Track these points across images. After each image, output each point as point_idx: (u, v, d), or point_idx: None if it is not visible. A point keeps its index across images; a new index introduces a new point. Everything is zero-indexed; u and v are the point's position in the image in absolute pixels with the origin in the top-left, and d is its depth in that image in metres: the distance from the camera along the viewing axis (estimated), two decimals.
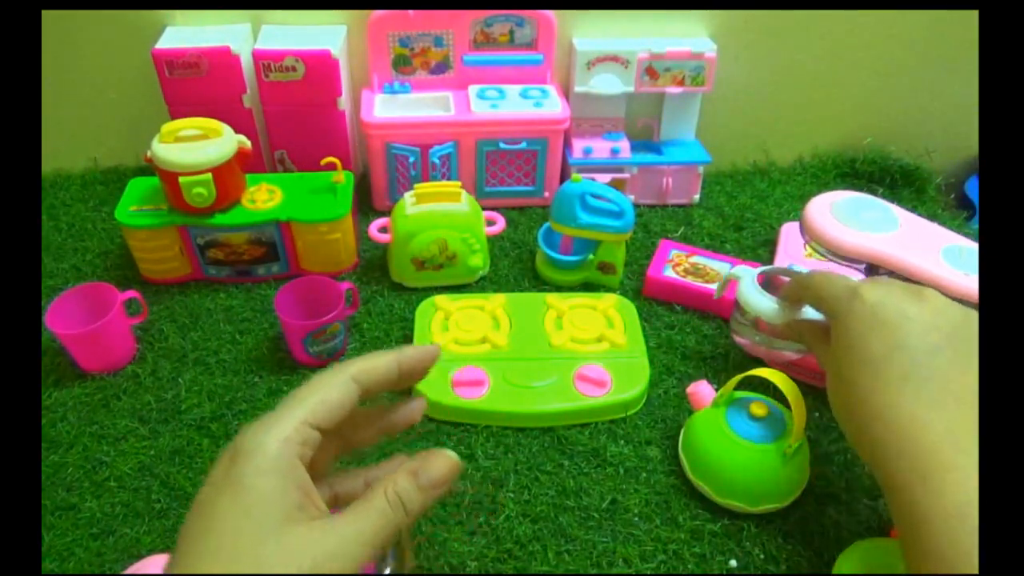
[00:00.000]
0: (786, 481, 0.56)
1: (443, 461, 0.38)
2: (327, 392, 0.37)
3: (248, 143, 0.74)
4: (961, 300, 0.56)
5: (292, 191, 0.76)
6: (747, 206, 0.91)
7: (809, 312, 0.58)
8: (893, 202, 0.64)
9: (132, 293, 0.69)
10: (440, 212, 0.74)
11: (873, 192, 0.88)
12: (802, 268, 0.62)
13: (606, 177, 0.87)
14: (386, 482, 0.36)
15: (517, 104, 0.85)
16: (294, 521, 0.32)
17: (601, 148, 0.88)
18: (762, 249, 0.85)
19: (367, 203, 0.89)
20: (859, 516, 0.57)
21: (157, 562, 0.51)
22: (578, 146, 0.87)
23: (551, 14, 0.85)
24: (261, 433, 0.34)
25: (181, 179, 0.69)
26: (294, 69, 0.80)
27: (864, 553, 0.50)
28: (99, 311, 0.66)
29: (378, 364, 0.39)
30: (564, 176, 0.88)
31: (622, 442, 0.62)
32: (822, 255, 0.62)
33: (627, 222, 0.74)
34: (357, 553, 0.33)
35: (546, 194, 0.89)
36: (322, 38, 0.82)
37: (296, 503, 0.33)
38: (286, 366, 0.68)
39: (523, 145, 0.85)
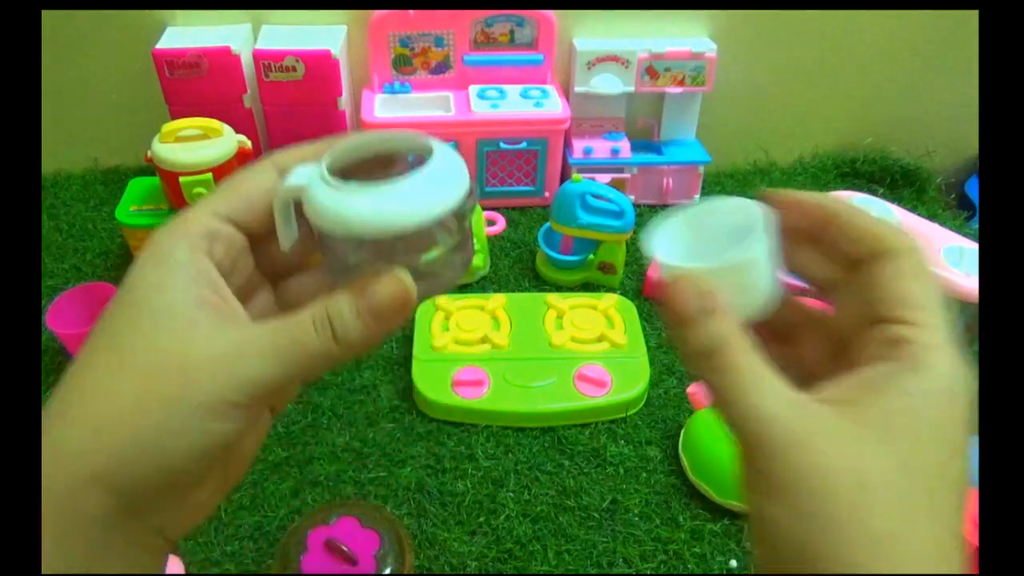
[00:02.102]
0: None
1: (391, 285, 0.28)
2: (242, 181, 0.31)
3: (248, 143, 0.74)
4: (961, 300, 0.56)
5: None
6: None
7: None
8: (894, 202, 0.64)
9: None
10: None
11: (873, 192, 0.88)
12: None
13: (606, 177, 0.87)
14: (321, 299, 0.29)
15: (517, 104, 0.85)
16: (182, 317, 0.27)
17: (601, 148, 0.88)
18: None
19: None
20: None
21: None
22: (578, 146, 0.87)
23: (551, 14, 0.85)
24: (168, 228, 0.29)
25: (181, 179, 0.69)
26: (294, 69, 0.80)
27: None
28: (99, 311, 0.66)
29: (306, 151, 0.32)
30: (564, 176, 0.88)
31: (622, 442, 0.62)
32: None
33: (627, 222, 0.74)
34: (249, 369, 0.26)
35: (546, 194, 0.89)
36: (322, 38, 0.82)
37: (192, 299, 0.28)
38: None
39: (523, 145, 0.85)
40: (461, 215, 0.29)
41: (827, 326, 0.32)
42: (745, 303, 0.30)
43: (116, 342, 0.27)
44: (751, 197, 0.31)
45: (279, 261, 0.33)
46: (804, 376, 0.30)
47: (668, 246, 0.31)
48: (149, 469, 0.25)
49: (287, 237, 0.31)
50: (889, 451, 0.25)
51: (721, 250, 0.30)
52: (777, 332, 0.33)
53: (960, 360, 0.27)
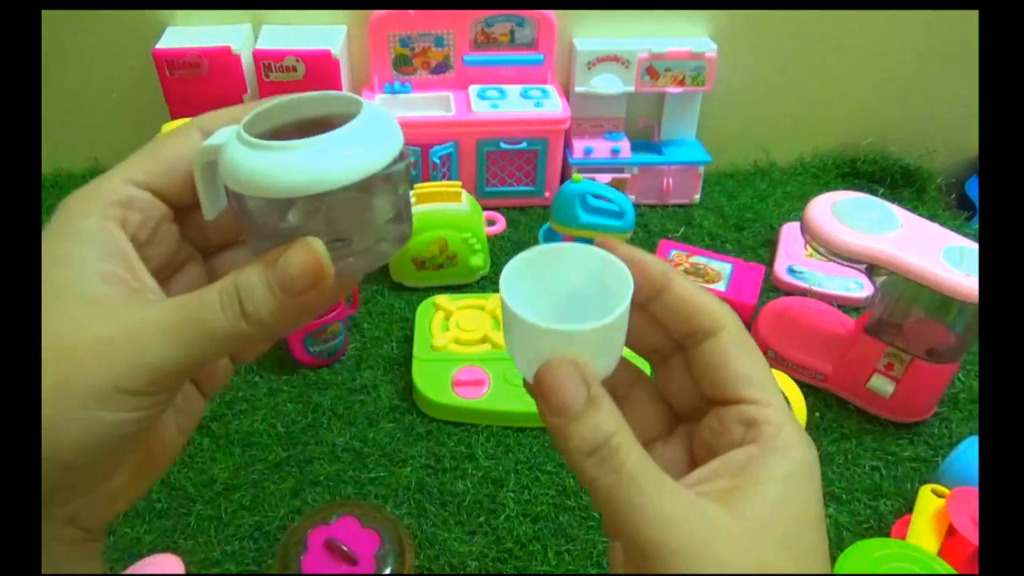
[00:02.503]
0: None
1: (301, 254, 0.25)
2: (163, 145, 0.28)
3: None
4: (961, 300, 0.56)
5: None
6: (747, 206, 0.91)
7: None
8: (894, 202, 0.64)
9: None
10: (440, 212, 0.74)
11: (874, 192, 0.88)
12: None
13: (606, 177, 0.87)
14: (233, 272, 0.26)
15: (518, 104, 0.85)
16: (82, 294, 0.25)
17: (601, 148, 0.88)
18: (762, 249, 0.85)
19: None
20: (859, 516, 0.57)
21: (157, 562, 0.51)
22: (578, 146, 0.87)
23: (551, 14, 0.85)
24: (77, 194, 0.27)
25: None
26: (294, 69, 0.80)
27: (864, 553, 0.50)
28: None
29: (236, 113, 0.29)
30: (565, 176, 0.88)
31: None
32: (823, 255, 0.62)
33: (628, 222, 0.74)
34: (144, 352, 0.24)
35: (547, 194, 0.89)
36: (322, 38, 0.82)
37: (97, 273, 0.25)
38: (286, 366, 0.68)
39: (524, 145, 0.85)
40: (391, 180, 0.26)
41: (656, 389, 0.32)
42: (604, 365, 0.28)
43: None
44: (593, 243, 0.29)
45: (210, 233, 0.31)
46: (638, 438, 0.29)
47: (518, 293, 0.28)
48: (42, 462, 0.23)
49: (211, 205, 0.29)
50: (779, 544, 0.25)
51: (572, 300, 0.29)
52: (612, 395, 0.31)
53: (800, 428, 0.28)
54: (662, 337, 0.30)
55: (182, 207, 0.29)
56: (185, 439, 0.31)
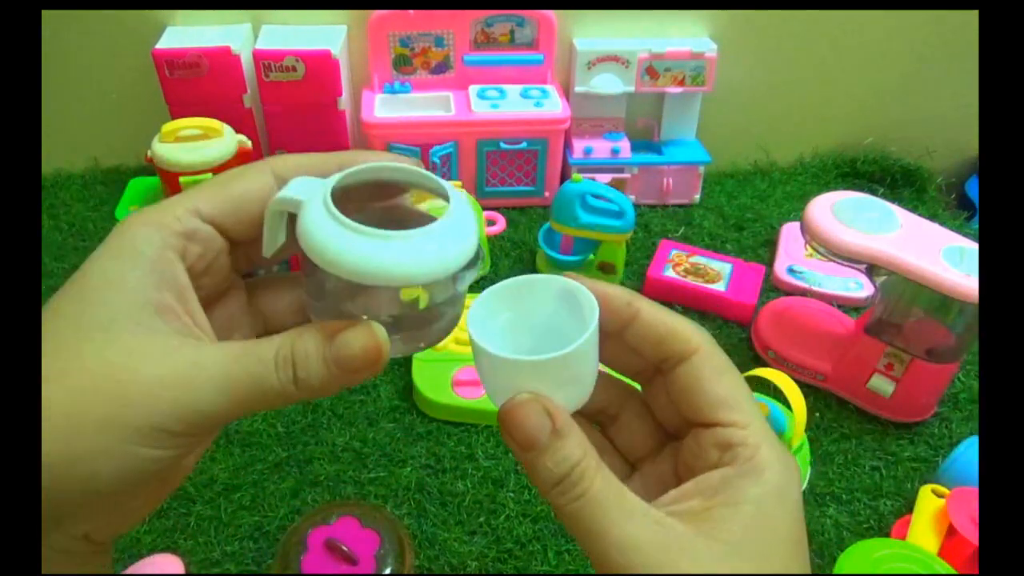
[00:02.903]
0: None
1: (365, 338, 0.26)
2: (234, 181, 0.28)
3: (248, 143, 0.74)
4: (961, 300, 0.56)
5: None
6: (747, 206, 0.91)
7: None
8: (894, 202, 0.64)
9: None
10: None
11: (873, 192, 0.88)
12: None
13: (606, 177, 0.87)
14: (291, 333, 0.26)
15: (517, 104, 0.85)
16: (137, 324, 0.25)
17: (601, 148, 0.88)
18: (762, 249, 0.85)
19: None
20: (859, 516, 0.57)
21: (157, 562, 0.51)
22: (578, 146, 0.87)
23: (551, 14, 0.85)
24: (140, 217, 0.27)
25: (181, 179, 0.69)
26: (294, 69, 0.80)
27: (864, 553, 0.50)
28: None
29: (312, 160, 0.29)
30: (564, 176, 0.88)
31: None
32: (823, 255, 0.62)
33: (627, 222, 0.74)
34: (194, 399, 0.24)
35: (546, 194, 0.89)
36: (322, 38, 0.82)
37: (152, 303, 0.25)
38: None
39: (523, 145, 0.85)
40: (459, 279, 0.27)
41: (647, 408, 0.33)
42: (574, 394, 0.29)
43: (59, 343, 0.25)
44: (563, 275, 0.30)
45: (256, 258, 0.31)
46: (630, 455, 0.31)
47: (492, 325, 0.29)
48: (76, 488, 0.24)
49: (273, 245, 0.29)
50: (750, 565, 0.26)
51: (542, 331, 0.30)
52: (599, 415, 0.32)
53: (783, 449, 0.28)
54: (641, 362, 0.31)
55: (241, 243, 0.29)
56: (197, 460, 0.32)
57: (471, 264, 0.27)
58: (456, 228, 0.27)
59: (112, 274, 0.26)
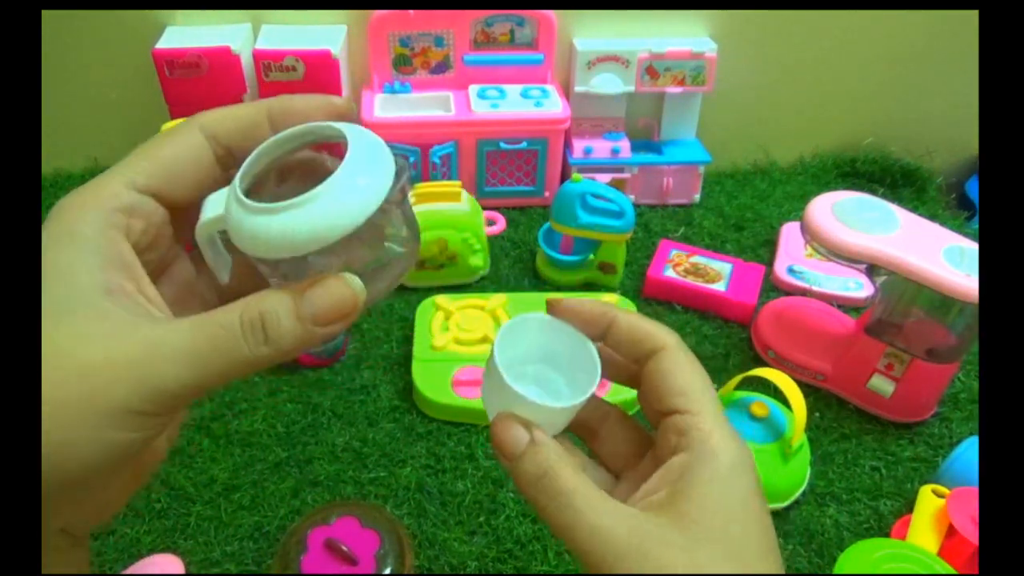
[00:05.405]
0: (786, 481, 0.56)
1: (338, 288, 0.26)
2: (165, 146, 0.28)
3: None
4: (961, 300, 0.56)
5: None
6: (747, 206, 0.91)
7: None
8: (894, 202, 0.64)
9: None
10: (440, 212, 0.74)
11: (873, 192, 0.88)
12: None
13: (606, 177, 0.87)
14: (253, 297, 0.26)
15: (517, 104, 0.85)
16: (88, 309, 0.24)
17: (601, 148, 0.88)
18: (763, 249, 0.85)
19: None
20: (859, 516, 0.57)
21: (157, 562, 0.52)
22: (578, 146, 0.87)
23: (551, 14, 0.85)
24: (77, 198, 0.26)
25: None
26: (294, 69, 0.80)
27: (864, 553, 0.50)
28: None
29: (239, 112, 0.29)
30: (564, 176, 0.88)
31: None
32: (823, 255, 0.62)
33: (627, 222, 0.74)
34: (160, 376, 0.24)
35: (546, 194, 0.89)
36: (322, 38, 0.82)
37: (101, 286, 0.24)
38: (286, 366, 0.68)
39: (523, 145, 0.85)
40: (397, 200, 0.27)
41: (628, 419, 0.37)
42: (551, 431, 0.33)
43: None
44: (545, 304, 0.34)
45: (194, 226, 0.30)
46: (614, 465, 0.35)
47: (513, 350, 0.34)
48: (49, 481, 0.23)
49: (222, 269, 0.29)
50: (713, 544, 0.28)
51: (558, 363, 0.35)
52: (580, 429, 0.36)
53: (735, 435, 0.31)
54: (628, 368, 0.35)
55: (181, 209, 0.29)
56: (170, 446, 0.32)
57: (397, 180, 0.27)
58: (364, 158, 0.26)
59: (56, 260, 0.25)
